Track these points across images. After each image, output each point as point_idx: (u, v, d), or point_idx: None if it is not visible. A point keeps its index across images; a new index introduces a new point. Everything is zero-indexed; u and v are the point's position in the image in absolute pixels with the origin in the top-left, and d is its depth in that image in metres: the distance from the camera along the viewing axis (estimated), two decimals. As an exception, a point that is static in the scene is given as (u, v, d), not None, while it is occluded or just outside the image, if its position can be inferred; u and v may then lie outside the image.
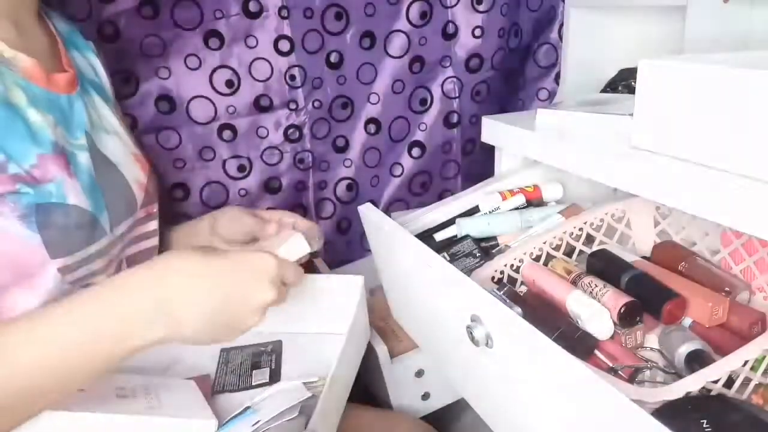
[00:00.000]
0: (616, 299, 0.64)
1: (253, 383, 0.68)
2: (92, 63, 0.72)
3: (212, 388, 0.67)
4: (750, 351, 0.53)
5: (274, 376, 0.69)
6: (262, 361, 0.72)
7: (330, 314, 0.77)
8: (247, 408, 0.59)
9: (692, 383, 0.51)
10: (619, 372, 0.58)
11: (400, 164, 1.09)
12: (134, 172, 0.68)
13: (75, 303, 0.48)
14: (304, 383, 0.63)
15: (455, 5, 1.00)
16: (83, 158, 0.59)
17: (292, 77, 0.95)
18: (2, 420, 0.46)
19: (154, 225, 0.71)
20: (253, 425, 0.56)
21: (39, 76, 0.57)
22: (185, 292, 0.50)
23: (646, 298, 0.65)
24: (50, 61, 0.61)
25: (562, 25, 1.05)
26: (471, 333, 0.54)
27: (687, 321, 0.65)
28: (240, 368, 0.71)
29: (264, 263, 0.53)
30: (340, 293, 0.77)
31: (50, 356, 0.46)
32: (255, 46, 0.91)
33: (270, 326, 0.72)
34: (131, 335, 0.48)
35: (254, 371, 0.70)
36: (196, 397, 0.62)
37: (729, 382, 0.54)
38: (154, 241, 0.72)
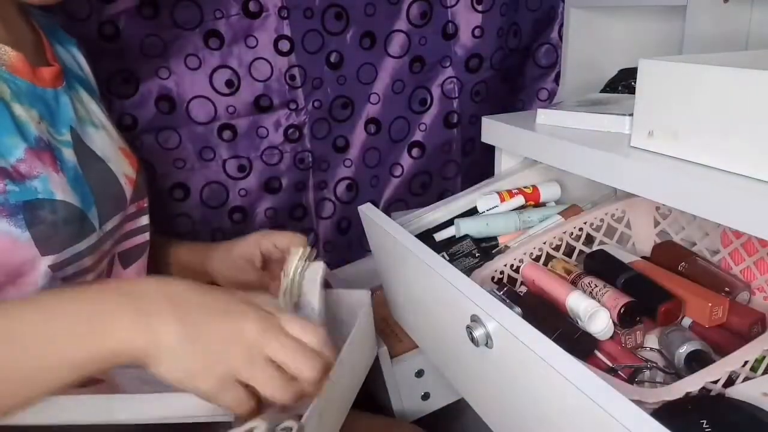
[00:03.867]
0: (616, 299, 0.64)
1: None
2: (76, 58, 0.71)
3: None
4: (750, 351, 0.53)
5: None
6: None
7: (338, 332, 0.76)
8: None
9: (692, 383, 0.51)
10: (619, 372, 0.58)
11: (400, 164, 1.09)
12: (123, 167, 0.67)
13: (44, 296, 0.46)
14: None
15: (455, 5, 1.00)
16: (68, 154, 0.58)
17: (292, 77, 0.95)
18: None
19: (145, 220, 0.71)
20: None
21: (24, 70, 0.56)
22: (166, 313, 0.43)
23: (641, 299, 0.65)
24: (35, 55, 0.61)
25: (562, 25, 1.05)
26: (471, 333, 0.54)
27: (687, 321, 0.65)
28: None
29: (249, 338, 0.44)
30: (347, 308, 0.74)
31: (9, 352, 0.40)
32: (255, 46, 0.91)
33: None
34: (106, 336, 0.41)
35: None
36: None
37: (729, 382, 0.54)
38: (146, 237, 0.71)
